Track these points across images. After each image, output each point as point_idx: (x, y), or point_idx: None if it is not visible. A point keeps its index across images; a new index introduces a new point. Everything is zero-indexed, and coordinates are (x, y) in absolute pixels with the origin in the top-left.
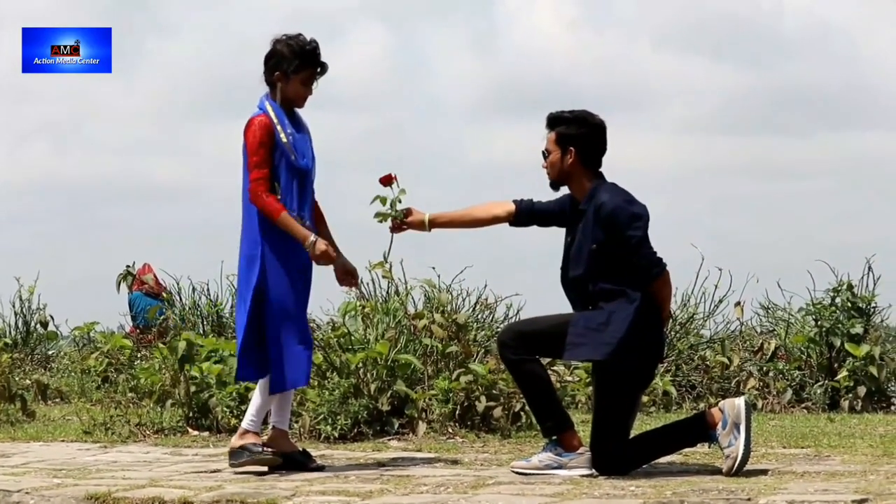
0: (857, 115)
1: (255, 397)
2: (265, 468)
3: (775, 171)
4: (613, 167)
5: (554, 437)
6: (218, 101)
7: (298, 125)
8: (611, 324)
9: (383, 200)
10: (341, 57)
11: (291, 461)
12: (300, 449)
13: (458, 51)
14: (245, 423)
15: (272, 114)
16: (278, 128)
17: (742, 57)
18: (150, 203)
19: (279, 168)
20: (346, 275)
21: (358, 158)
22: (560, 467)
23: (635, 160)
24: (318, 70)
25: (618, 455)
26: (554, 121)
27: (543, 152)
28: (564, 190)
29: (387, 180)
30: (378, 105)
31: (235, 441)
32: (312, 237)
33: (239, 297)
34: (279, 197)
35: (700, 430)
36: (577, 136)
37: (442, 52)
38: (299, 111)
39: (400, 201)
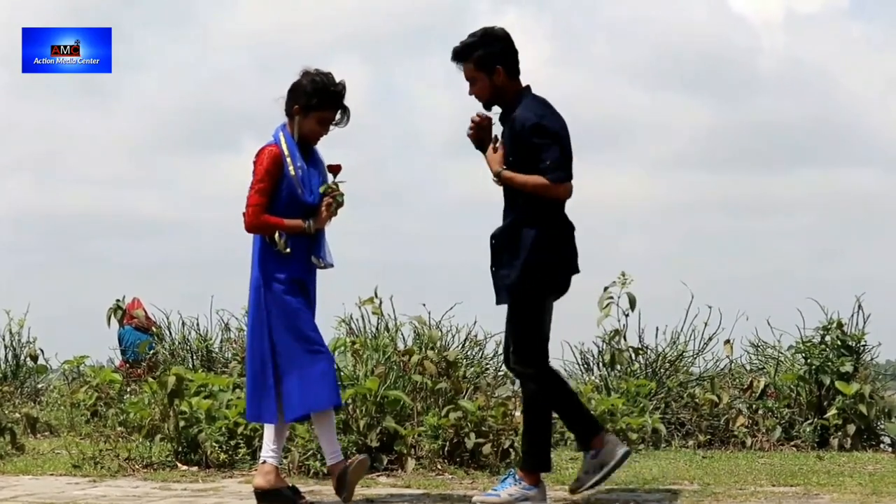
0: (834, 151)
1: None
2: None
3: (753, 207)
4: (589, 203)
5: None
6: (195, 134)
7: (311, 160)
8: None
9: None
10: None
11: (281, 497)
12: (289, 485)
13: (435, 86)
14: (265, 456)
15: (284, 145)
16: (288, 160)
17: (718, 93)
18: (134, 236)
19: (284, 202)
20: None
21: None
22: (526, 500)
23: (611, 197)
24: (340, 114)
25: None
26: (464, 50)
27: (470, 85)
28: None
29: (334, 169)
30: (357, 140)
31: (259, 480)
32: (304, 222)
33: (250, 329)
34: (286, 241)
35: (585, 435)
36: (497, 54)
37: (418, 87)
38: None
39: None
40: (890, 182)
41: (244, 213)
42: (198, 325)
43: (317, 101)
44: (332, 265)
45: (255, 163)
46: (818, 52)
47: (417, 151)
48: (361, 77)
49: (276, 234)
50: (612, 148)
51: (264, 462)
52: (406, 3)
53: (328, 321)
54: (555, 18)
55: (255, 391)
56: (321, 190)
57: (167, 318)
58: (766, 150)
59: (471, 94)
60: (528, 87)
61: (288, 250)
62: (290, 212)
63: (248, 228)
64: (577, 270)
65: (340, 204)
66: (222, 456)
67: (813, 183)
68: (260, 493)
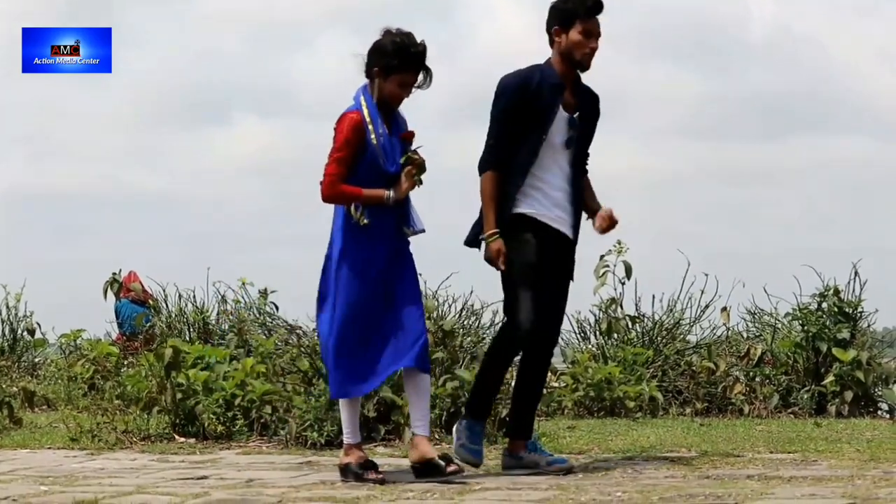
0: (826, 119)
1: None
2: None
3: (747, 176)
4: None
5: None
6: (185, 109)
7: (393, 125)
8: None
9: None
10: (310, 65)
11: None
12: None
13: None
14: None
15: (365, 111)
16: (370, 127)
17: (708, 63)
18: (130, 210)
19: (365, 171)
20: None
21: None
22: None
23: (604, 167)
24: (423, 75)
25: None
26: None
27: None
28: None
29: (407, 136)
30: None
31: (342, 458)
32: (385, 192)
33: (320, 302)
34: (365, 211)
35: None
36: None
37: None
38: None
39: (418, 154)
40: (882, 149)
41: (320, 183)
42: (194, 297)
43: (397, 62)
44: (423, 230)
45: (335, 129)
46: (807, 21)
47: (411, 122)
48: (351, 49)
49: (353, 206)
50: (603, 119)
51: (413, 435)
52: None
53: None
54: None
55: (328, 367)
56: (401, 160)
57: (164, 291)
58: (758, 120)
59: (594, 49)
60: None
61: (366, 221)
62: (372, 181)
63: (325, 199)
64: None
65: (423, 170)
66: (220, 428)
67: (806, 151)
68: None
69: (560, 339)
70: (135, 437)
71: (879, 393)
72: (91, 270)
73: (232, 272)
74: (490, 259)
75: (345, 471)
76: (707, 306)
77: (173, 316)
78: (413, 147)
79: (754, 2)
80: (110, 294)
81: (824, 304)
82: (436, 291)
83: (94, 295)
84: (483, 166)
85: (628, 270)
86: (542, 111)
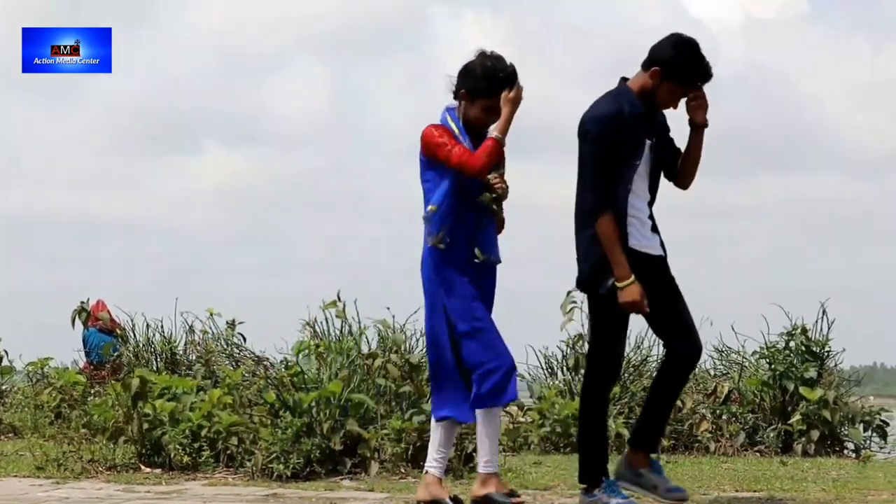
0: (795, 157)
1: (481, 432)
2: None
3: (716, 212)
4: (549, 208)
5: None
6: (154, 136)
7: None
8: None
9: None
10: (279, 94)
11: None
12: (451, 495)
13: (395, 89)
14: (481, 468)
15: (452, 125)
16: (459, 138)
17: None
18: (97, 238)
19: (452, 185)
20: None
21: (302, 195)
22: None
23: (570, 202)
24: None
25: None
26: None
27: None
28: None
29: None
30: (319, 143)
31: (478, 489)
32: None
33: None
34: (443, 234)
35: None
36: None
37: (379, 91)
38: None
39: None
40: (849, 186)
41: (463, 164)
42: (162, 327)
43: (485, 86)
44: (499, 261)
45: (422, 140)
46: (777, 57)
47: (377, 154)
48: (320, 79)
49: (433, 228)
50: (569, 154)
51: (426, 472)
52: (364, 5)
53: (292, 324)
54: (511, 22)
55: (449, 392)
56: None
57: (131, 321)
58: (728, 156)
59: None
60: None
61: (442, 245)
62: (457, 198)
63: (482, 168)
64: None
65: (504, 197)
66: (186, 458)
67: (774, 187)
68: None
69: (527, 374)
70: (101, 467)
71: (846, 432)
72: (57, 298)
73: (199, 301)
74: (631, 304)
75: (486, 501)
76: None
77: (141, 345)
78: (499, 171)
79: (724, 37)
80: (78, 323)
81: (792, 343)
82: (403, 325)
83: (62, 322)
84: (597, 210)
85: None
86: (633, 141)
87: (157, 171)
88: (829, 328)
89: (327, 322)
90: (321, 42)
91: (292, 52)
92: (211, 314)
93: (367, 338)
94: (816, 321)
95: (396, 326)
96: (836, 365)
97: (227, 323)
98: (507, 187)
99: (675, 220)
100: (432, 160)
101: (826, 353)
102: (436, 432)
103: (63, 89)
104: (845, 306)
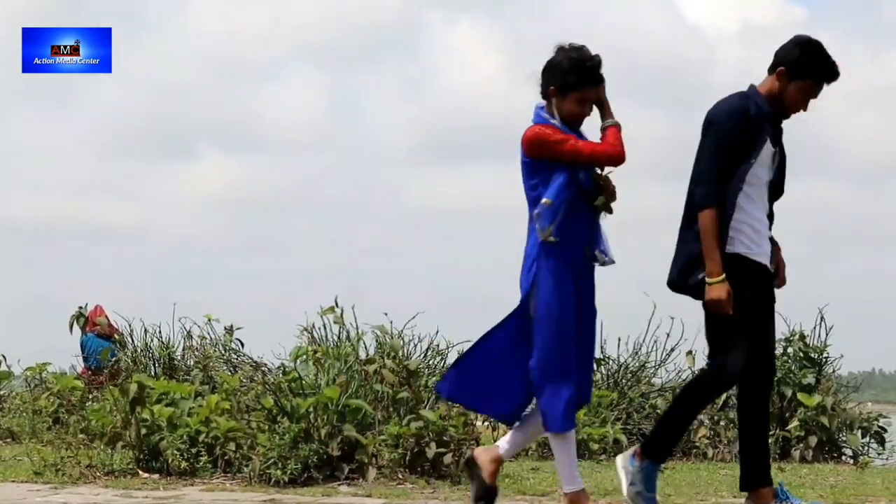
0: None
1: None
2: None
3: None
4: None
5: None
6: (150, 143)
7: None
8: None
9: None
10: (275, 100)
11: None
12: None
13: (391, 96)
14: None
15: (557, 123)
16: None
17: (673, 105)
18: (96, 244)
19: (562, 185)
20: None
21: (299, 201)
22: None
23: None
24: (593, 87)
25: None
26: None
27: None
28: None
29: None
30: (316, 149)
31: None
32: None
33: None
34: (554, 228)
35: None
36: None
37: (375, 98)
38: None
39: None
40: (847, 194)
41: (602, 153)
42: (160, 332)
43: (574, 79)
44: (613, 262)
45: (524, 142)
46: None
47: (374, 160)
48: (316, 85)
49: (543, 222)
50: None
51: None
52: (359, 12)
53: (290, 330)
54: (507, 28)
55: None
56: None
57: (129, 326)
58: None
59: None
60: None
61: (553, 238)
62: (572, 192)
63: (621, 157)
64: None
65: (613, 198)
66: (183, 464)
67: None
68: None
69: None
70: (98, 472)
71: (843, 438)
72: (55, 303)
73: (197, 306)
74: (716, 303)
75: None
76: (672, 349)
77: (139, 351)
78: (604, 173)
79: (720, 44)
80: (76, 328)
81: (790, 349)
82: (401, 331)
83: (60, 327)
84: (704, 202)
85: None
86: (754, 140)
87: (155, 176)
88: (827, 334)
89: (325, 328)
90: (317, 48)
91: (288, 58)
92: (209, 320)
93: (364, 343)
94: (815, 327)
95: (394, 332)
96: (834, 371)
97: (225, 328)
98: (615, 187)
99: (674, 228)
100: (542, 160)
101: (824, 360)
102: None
103: (58, 93)
104: (843, 312)
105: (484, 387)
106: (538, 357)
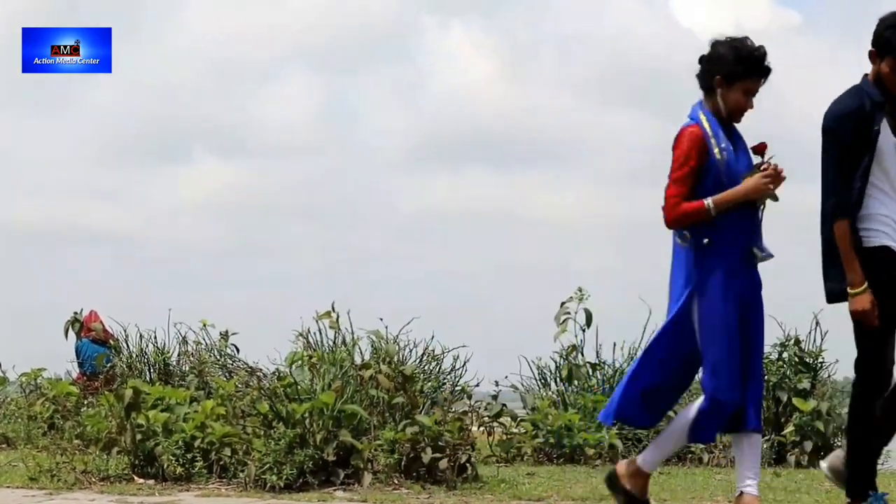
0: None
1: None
2: None
3: None
4: (539, 219)
5: None
6: (145, 147)
7: (735, 141)
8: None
9: (756, 168)
10: (270, 104)
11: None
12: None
13: (386, 100)
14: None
15: (706, 124)
16: (712, 141)
17: (665, 109)
18: (91, 248)
19: (708, 190)
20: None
21: (295, 206)
22: None
23: (560, 213)
24: (760, 78)
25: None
26: None
27: None
28: None
29: (760, 149)
30: (311, 153)
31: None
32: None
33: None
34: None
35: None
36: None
37: (370, 101)
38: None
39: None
40: None
41: (662, 208)
42: (155, 338)
43: (742, 69)
44: (771, 256)
45: (673, 148)
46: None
47: (369, 164)
48: (311, 89)
49: (687, 232)
50: (560, 163)
51: (741, 494)
52: (354, 16)
53: (285, 335)
54: (501, 34)
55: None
56: (748, 174)
57: (125, 331)
58: None
59: None
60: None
61: (706, 240)
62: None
63: (669, 223)
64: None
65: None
66: (179, 469)
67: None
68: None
69: (520, 385)
70: (94, 478)
71: (839, 443)
72: (50, 308)
73: (192, 311)
74: (860, 314)
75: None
76: None
77: (134, 356)
78: (766, 158)
79: None
80: (71, 333)
81: (785, 354)
82: (396, 336)
83: (55, 333)
84: (835, 213)
85: (589, 317)
86: (869, 137)
87: (149, 180)
88: (822, 339)
89: (320, 333)
90: (312, 52)
91: (284, 62)
92: (204, 325)
93: (360, 349)
94: (810, 332)
95: (389, 337)
96: (829, 376)
97: (221, 334)
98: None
99: (668, 233)
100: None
101: (819, 365)
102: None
103: (56, 94)
104: (838, 317)
105: (652, 403)
106: (708, 366)
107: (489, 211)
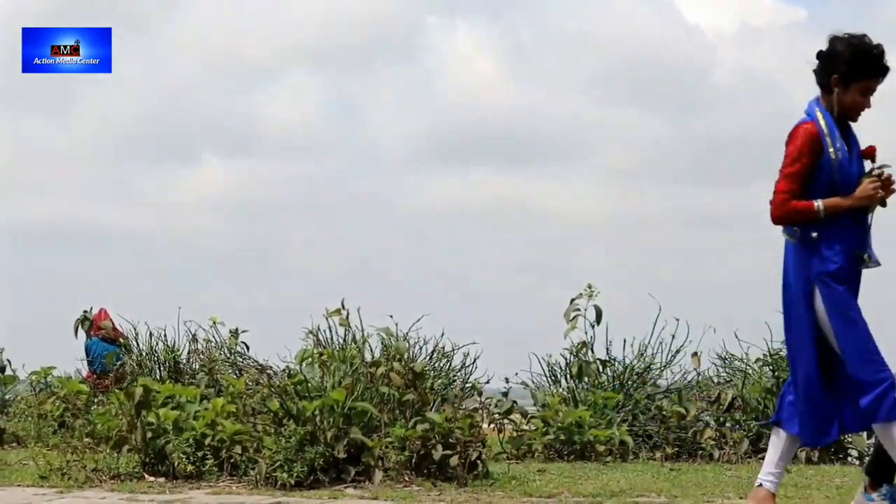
0: None
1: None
2: None
3: (710, 219)
4: (546, 216)
5: None
6: (153, 146)
7: (850, 140)
8: None
9: (868, 173)
10: (275, 104)
11: None
12: None
13: (393, 99)
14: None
15: (822, 122)
16: (827, 140)
17: (671, 106)
18: (101, 246)
19: (819, 190)
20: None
21: (303, 204)
22: None
23: (566, 210)
24: (878, 77)
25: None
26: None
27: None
28: None
29: (870, 152)
30: (317, 152)
31: None
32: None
33: (794, 349)
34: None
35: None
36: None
37: (375, 101)
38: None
39: (881, 172)
40: None
41: (770, 202)
42: (165, 336)
43: (860, 67)
44: (879, 264)
45: (787, 143)
46: (768, 65)
47: (375, 163)
48: (315, 89)
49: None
50: (566, 161)
51: (760, 485)
52: (359, 15)
53: (295, 333)
54: (506, 33)
55: (805, 409)
56: (863, 178)
57: (134, 329)
58: (721, 163)
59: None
60: None
61: (814, 234)
62: (839, 190)
63: (775, 220)
64: None
65: (890, 190)
66: (189, 467)
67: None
68: None
69: (530, 382)
70: (104, 476)
71: (849, 439)
72: (60, 307)
73: (202, 309)
74: None
75: None
76: (678, 351)
77: (144, 354)
78: (877, 164)
79: (718, 45)
80: (81, 332)
81: None
82: (406, 333)
83: (65, 331)
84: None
85: (599, 314)
86: None
87: (158, 179)
88: None
89: (330, 330)
90: (317, 52)
91: (288, 62)
92: (214, 323)
93: (370, 346)
94: None
95: (399, 334)
96: None
97: (231, 332)
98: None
99: (677, 228)
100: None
101: None
102: (778, 445)
103: (58, 95)
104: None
105: (821, 420)
106: (850, 360)
107: (498, 209)
